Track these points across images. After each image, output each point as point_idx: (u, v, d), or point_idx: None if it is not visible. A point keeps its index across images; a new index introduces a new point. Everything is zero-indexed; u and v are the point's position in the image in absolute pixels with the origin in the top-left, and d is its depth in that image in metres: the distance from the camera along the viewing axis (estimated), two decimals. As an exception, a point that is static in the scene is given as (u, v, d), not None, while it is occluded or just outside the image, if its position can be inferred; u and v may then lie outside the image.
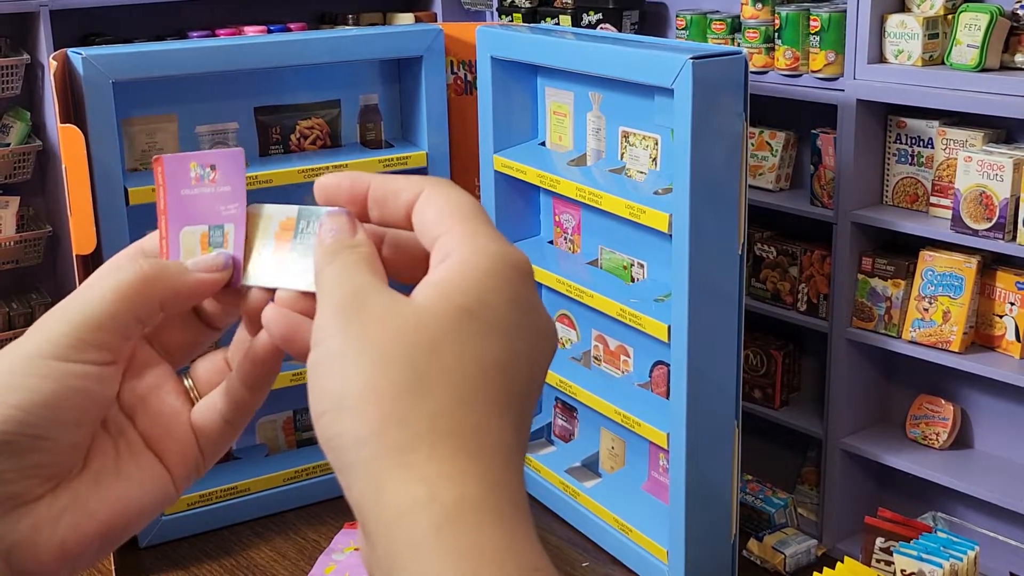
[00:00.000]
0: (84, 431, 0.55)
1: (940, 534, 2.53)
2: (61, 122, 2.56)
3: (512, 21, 3.45)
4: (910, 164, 2.70)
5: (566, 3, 3.34)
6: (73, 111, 2.64)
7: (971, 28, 2.51)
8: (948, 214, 2.57)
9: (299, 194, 3.06)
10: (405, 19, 3.58)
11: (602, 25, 3.20)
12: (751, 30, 2.90)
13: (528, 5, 3.43)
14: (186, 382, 0.64)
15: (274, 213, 0.66)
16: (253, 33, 3.27)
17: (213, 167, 0.66)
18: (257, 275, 0.64)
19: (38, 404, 0.52)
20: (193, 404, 0.63)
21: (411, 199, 0.56)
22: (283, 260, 0.63)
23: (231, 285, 0.63)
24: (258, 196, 3.09)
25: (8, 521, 0.52)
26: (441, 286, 0.50)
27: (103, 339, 0.55)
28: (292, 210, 0.66)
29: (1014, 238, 2.45)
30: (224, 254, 0.64)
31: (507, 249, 0.52)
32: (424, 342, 0.48)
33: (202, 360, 0.65)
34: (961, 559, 2.43)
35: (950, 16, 2.59)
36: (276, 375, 0.61)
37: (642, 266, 2.78)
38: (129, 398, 0.60)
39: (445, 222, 0.53)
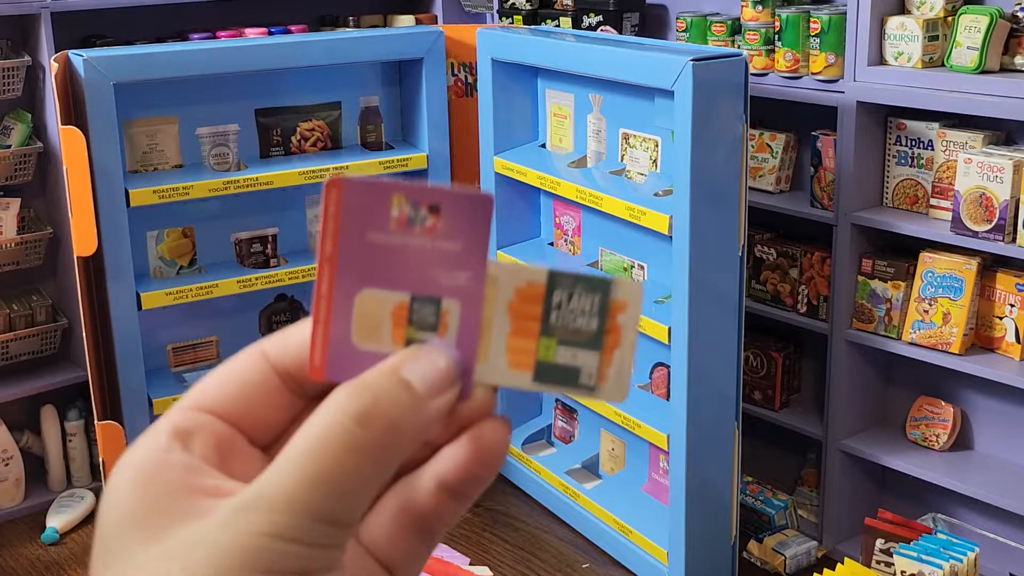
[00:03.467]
0: None
1: (940, 535, 2.53)
2: (62, 124, 2.57)
3: (512, 23, 3.45)
4: (910, 166, 2.71)
5: (566, 5, 3.34)
6: (74, 113, 2.64)
7: (971, 30, 2.50)
8: (948, 216, 2.57)
9: (299, 196, 3.07)
10: (405, 21, 3.58)
11: (602, 27, 3.20)
12: (751, 32, 2.90)
13: (528, 7, 3.43)
14: None
15: (504, 275, 0.44)
16: (254, 35, 3.27)
17: (435, 209, 0.43)
18: (488, 371, 0.44)
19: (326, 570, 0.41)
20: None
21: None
22: (525, 351, 0.44)
23: (459, 399, 0.44)
24: (256, 198, 3.08)
25: None
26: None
27: (354, 519, 0.41)
28: (538, 272, 0.44)
29: (1014, 239, 2.45)
30: (451, 358, 0.43)
31: None
32: None
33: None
34: (961, 560, 2.43)
35: (950, 18, 2.59)
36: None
37: (642, 268, 2.78)
38: None
39: None
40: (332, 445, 0.40)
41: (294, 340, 0.45)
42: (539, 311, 0.44)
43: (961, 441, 2.76)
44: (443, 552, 2.81)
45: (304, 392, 0.46)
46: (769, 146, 2.96)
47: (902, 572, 2.45)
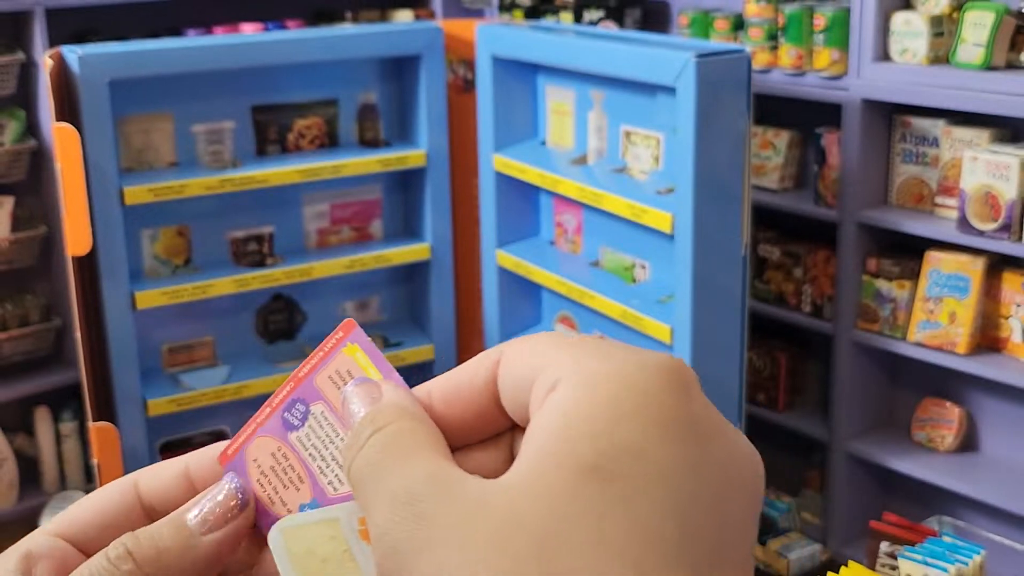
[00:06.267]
0: None
1: (946, 538, 2.50)
2: (56, 121, 2.53)
3: (512, 17, 3.41)
4: (915, 164, 2.67)
5: (567, 0, 3.31)
6: (68, 110, 2.61)
7: (977, 26, 2.47)
8: (954, 214, 2.54)
9: (296, 194, 3.03)
10: (404, 16, 3.55)
11: (604, 22, 3.17)
12: (754, 27, 2.86)
13: (528, 2, 3.40)
14: None
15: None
16: (250, 30, 3.24)
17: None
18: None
19: None
20: None
21: (490, 374, 0.38)
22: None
23: (257, 526, 0.43)
24: (252, 196, 3.05)
25: None
26: (545, 443, 0.33)
27: None
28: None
29: (1020, 239, 2.42)
30: (231, 487, 0.42)
31: (644, 356, 0.35)
32: (533, 549, 0.31)
33: None
34: (967, 564, 2.40)
35: (955, 14, 2.56)
36: None
37: (644, 267, 2.74)
38: None
39: (545, 356, 0.36)
40: None
41: (168, 473, 0.44)
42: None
43: (967, 443, 2.72)
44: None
45: None
46: (772, 144, 2.93)
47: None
